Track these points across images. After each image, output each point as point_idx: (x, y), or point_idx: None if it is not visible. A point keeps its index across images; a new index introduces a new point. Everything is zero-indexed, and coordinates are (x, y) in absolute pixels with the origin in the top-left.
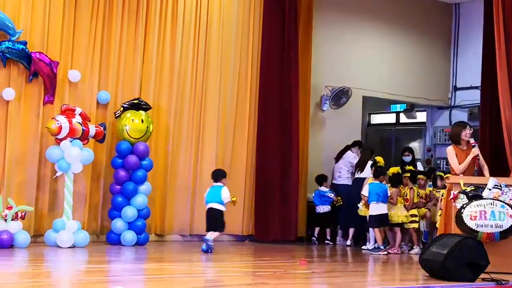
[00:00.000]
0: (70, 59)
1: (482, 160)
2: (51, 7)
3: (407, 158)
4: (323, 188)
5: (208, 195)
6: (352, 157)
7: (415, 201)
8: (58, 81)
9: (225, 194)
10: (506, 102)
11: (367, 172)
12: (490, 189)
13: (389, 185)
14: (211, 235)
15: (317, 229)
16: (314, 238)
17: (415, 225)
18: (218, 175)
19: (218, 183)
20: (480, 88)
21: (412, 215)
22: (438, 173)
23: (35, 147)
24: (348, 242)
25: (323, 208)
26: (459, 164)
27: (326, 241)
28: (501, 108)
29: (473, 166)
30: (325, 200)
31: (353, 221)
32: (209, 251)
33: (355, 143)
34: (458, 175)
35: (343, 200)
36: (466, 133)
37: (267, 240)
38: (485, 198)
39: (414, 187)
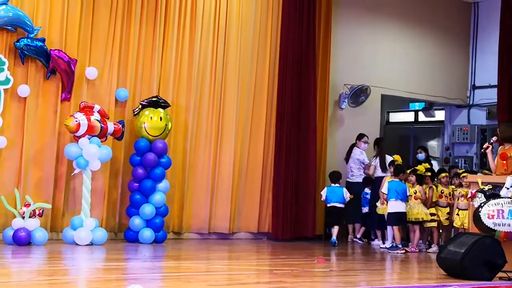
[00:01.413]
0: (88, 56)
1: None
2: (69, 4)
3: (421, 156)
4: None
5: (329, 195)
6: (358, 153)
7: (434, 199)
8: (76, 79)
9: (346, 194)
10: None
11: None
12: (508, 188)
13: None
14: (335, 230)
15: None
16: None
17: (434, 224)
18: (337, 177)
19: (337, 184)
20: (497, 86)
21: (431, 214)
22: (458, 171)
23: (53, 144)
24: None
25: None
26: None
27: (355, 239)
28: None
29: (501, 167)
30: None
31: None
32: (335, 244)
33: (357, 137)
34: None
35: (355, 197)
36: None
37: (285, 238)
38: (503, 197)
39: (433, 186)
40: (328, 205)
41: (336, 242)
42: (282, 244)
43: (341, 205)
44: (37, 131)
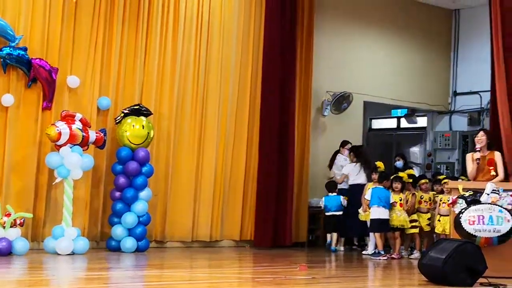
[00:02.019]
0: (70, 65)
1: (499, 168)
2: (50, 13)
3: (399, 164)
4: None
5: (327, 204)
6: (342, 159)
7: (417, 206)
8: (58, 87)
9: (344, 201)
10: (504, 110)
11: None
12: (488, 194)
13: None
14: (334, 237)
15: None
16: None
17: (416, 230)
18: (333, 186)
19: (333, 193)
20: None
21: (412, 220)
22: (439, 177)
23: (34, 153)
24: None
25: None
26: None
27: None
28: (500, 116)
29: (487, 172)
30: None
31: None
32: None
33: (341, 144)
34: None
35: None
36: (476, 139)
37: (267, 246)
38: (483, 203)
39: (415, 192)
40: (327, 214)
41: (336, 249)
42: (265, 251)
43: (340, 213)
44: (18, 140)
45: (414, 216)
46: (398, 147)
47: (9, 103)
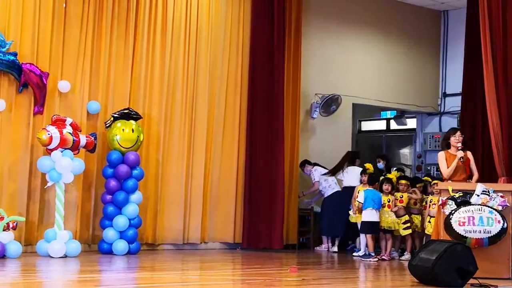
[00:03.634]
0: (60, 69)
1: (473, 166)
2: (40, 18)
3: (380, 165)
4: None
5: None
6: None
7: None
8: (48, 92)
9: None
10: (493, 111)
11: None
12: (478, 195)
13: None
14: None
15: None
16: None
17: (409, 231)
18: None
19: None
20: (461, 94)
21: (405, 222)
22: (427, 178)
23: (26, 157)
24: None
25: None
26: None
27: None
28: (489, 117)
29: (464, 171)
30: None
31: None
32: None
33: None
34: (447, 179)
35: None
36: (455, 138)
37: (258, 248)
38: (473, 204)
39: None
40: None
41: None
42: (256, 253)
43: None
44: (10, 144)
45: (407, 217)
46: (388, 149)
47: (1, 108)
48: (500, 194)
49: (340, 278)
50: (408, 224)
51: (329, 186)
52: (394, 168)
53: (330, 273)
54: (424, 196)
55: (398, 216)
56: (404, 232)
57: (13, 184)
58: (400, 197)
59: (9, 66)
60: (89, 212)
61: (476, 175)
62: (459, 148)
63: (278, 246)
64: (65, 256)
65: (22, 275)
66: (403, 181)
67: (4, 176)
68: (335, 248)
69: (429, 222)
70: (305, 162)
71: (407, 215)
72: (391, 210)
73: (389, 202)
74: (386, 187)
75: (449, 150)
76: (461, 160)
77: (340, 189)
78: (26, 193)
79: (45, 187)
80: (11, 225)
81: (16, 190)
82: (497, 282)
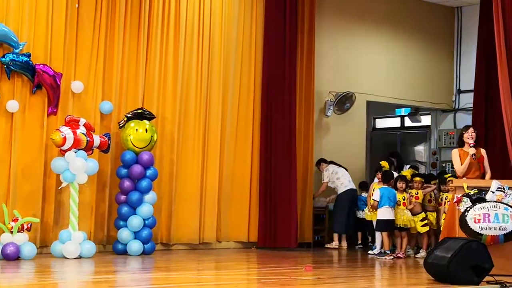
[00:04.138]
0: (73, 70)
1: (486, 164)
2: (53, 19)
3: None
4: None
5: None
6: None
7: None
8: (62, 93)
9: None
10: (508, 106)
11: None
12: (493, 192)
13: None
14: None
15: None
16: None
17: (427, 228)
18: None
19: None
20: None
21: (423, 219)
22: (446, 176)
23: (40, 158)
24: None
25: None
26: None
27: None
28: (503, 112)
29: (478, 169)
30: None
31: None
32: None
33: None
34: (460, 176)
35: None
36: (467, 135)
37: (273, 247)
38: (488, 201)
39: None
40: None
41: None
42: (271, 252)
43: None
44: (24, 145)
45: (423, 215)
46: (402, 146)
47: (14, 109)
48: None
49: (356, 277)
50: (426, 221)
51: (342, 184)
52: (408, 166)
53: (345, 271)
54: (440, 193)
55: (414, 213)
56: (422, 229)
57: (28, 185)
58: (416, 194)
59: (23, 67)
60: (104, 212)
61: (488, 174)
62: (471, 145)
63: (293, 245)
64: (80, 257)
65: (36, 277)
66: (417, 179)
67: (19, 177)
68: (344, 244)
69: (445, 219)
70: (321, 161)
71: (423, 213)
72: (407, 208)
73: (404, 200)
74: (400, 185)
75: (463, 148)
76: (473, 157)
77: (353, 187)
78: (41, 194)
79: (59, 188)
80: (25, 226)
81: (31, 190)
82: None
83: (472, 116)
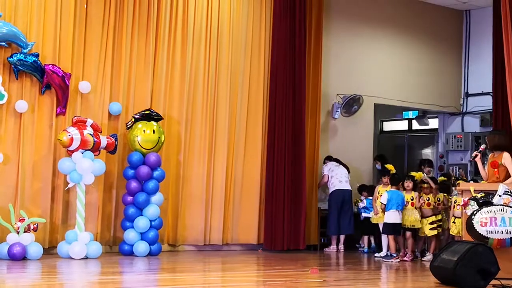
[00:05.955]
0: (81, 70)
1: (509, 168)
2: (62, 19)
3: (378, 167)
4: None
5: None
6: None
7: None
8: (70, 93)
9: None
10: None
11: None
12: (500, 196)
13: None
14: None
15: (365, 238)
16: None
17: (435, 232)
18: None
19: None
20: (492, 94)
21: (432, 222)
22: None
23: (48, 158)
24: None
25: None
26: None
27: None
28: (511, 115)
29: (493, 175)
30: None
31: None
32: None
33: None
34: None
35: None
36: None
37: (279, 249)
38: (495, 205)
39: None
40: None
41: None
42: (277, 255)
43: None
44: (33, 145)
45: (433, 218)
46: (410, 149)
47: (23, 109)
48: None
49: (362, 279)
50: (435, 225)
51: (332, 184)
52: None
53: (351, 274)
54: (449, 197)
55: (424, 216)
56: (430, 233)
57: (36, 185)
58: (427, 200)
59: (31, 67)
60: (110, 213)
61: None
62: (479, 150)
63: (302, 246)
64: (86, 258)
65: (42, 277)
66: (425, 185)
67: (28, 177)
68: (341, 247)
69: (454, 222)
70: (326, 158)
71: (434, 216)
72: (415, 207)
73: (412, 200)
74: (407, 184)
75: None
76: (471, 158)
77: (344, 188)
78: (49, 194)
79: (65, 189)
80: (32, 227)
81: (39, 190)
82: None
83: (493, 117)
